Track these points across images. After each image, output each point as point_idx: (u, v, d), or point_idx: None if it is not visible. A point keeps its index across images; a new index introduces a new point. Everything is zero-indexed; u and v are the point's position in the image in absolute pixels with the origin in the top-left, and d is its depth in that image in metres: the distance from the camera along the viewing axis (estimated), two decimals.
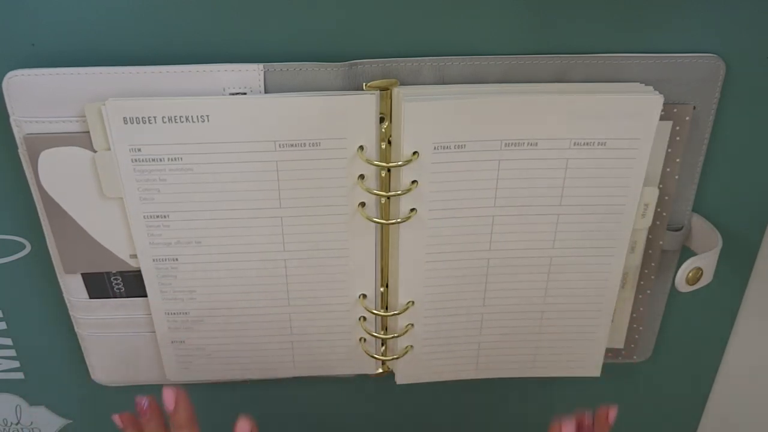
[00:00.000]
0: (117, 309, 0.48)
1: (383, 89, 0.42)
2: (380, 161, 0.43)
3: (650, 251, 0.49)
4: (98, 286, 0.47)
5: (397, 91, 0.41)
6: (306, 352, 0.51)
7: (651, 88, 0.42)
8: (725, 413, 0.59)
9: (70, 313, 0.49)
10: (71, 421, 0.58)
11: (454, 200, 0.44)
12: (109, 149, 0.42)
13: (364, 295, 0.48)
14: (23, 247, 0.48)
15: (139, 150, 0.41)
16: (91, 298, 0.48)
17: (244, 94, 0.41)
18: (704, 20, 0.42)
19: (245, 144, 0.42)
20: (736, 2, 0.41)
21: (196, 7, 0.40)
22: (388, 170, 0.44)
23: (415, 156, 0.42)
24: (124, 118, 0.40)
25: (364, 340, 0.50)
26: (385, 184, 0.44)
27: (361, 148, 0.42)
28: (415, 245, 0.45)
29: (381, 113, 0.42)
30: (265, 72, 0.41)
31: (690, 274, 0.45)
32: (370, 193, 0.43)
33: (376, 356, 0.50)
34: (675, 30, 0.42)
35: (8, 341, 0.53)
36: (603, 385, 0.56)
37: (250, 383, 0.54)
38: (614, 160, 0.43)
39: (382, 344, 0.51)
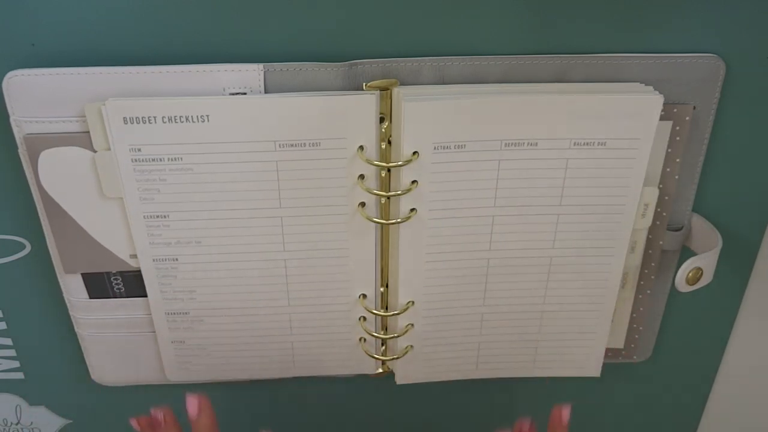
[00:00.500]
0: (117, 309, 0.48)
1: (383, 89, 0.42)
2: (380, 161, 0.43)
3: (650, 251, 0.49)
4: (98, 286, 0.47)
5: (397, 91, 0.41)
6: (306, 352, 0.51)
7: (651, 88, 0.42)
8: (725, 413, 0.59)
9: (70, 313, 0.49)
10: (71, 421, 0.58)
11: (454, 200, 0.44)
12: (109, 149, 0.42)
13: (364, 295, 0.48)
14: (23, 247, 0.48)
15: (139, 150, 0.41)
16: (91, 298, 0.48)
17: (244, 94, 0.41)
18: (704, 20, 0.42)
19: (245, 144, 0.42)
20: (736, 2, 0.41)
21: (196, 7, 0.40)
22: (388, 170, 0.44)
23: (415, 156, 0.42)
24: (124, 118, 0.40)
25: (364, 340, 0.50)
26: (385, 184, 0.44)
27: (361, 148, 0.42)
28: (415, 245, 0.45)
29: (381, 113, 0.42)
30: (265, 72, 0.41)
31: (690, 274, 0.45)
32: (370, 193, 0.43)
33: (376, 356, 0.50)
34: (675, 30, 0.42)
35: (8, 341, 0.53)
36: (603, 385, 0.56)
37: (250, 383, 0.54)
38: (614, 160, 0.43)
39: (382, 344, 0.51)
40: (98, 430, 0.59)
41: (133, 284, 0.47)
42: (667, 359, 0.56)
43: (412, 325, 0.49)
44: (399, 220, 0.44)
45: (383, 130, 0.43)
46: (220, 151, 0.42)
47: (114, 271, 0.47)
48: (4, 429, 0.58)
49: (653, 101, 0.41)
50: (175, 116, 0.40)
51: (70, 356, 0.53)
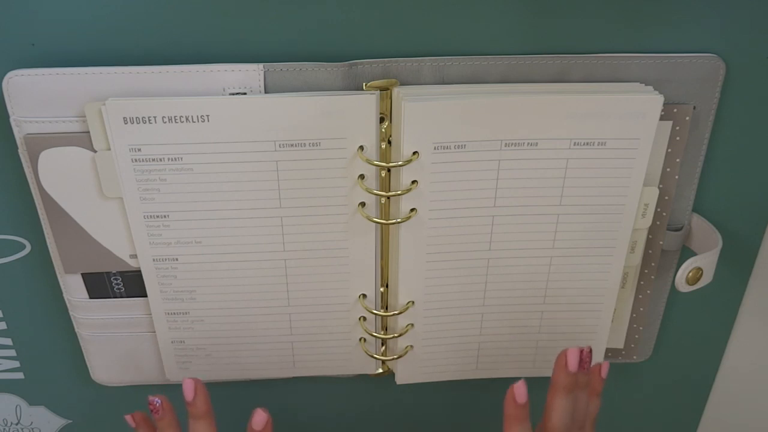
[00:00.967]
0: (117, 309, 0.48)
1: (383, 89, 0.42)
2: (380, 161, 0.43)
3: (650, 251, 0.49)
4: (98, 286, 0.47)
5: (397, 91, 0.41)
6: (306, 352, 0.51)
7: (651, 88, 0.42)
8: (725, 413, 0.59)
9: (70, 313, 0.49)
10: (71, 421, 0.58)
11: (454, 200, 0.44)
12: (109, 149, 0.42)
13: (364, 295, 0.48)
14: (23, 247, 0.48)
15: (139, 150, 0.41)
16: (91, 298, 0.48)
17: (244, 94, 0.41)
18: (704, 20, 0.42)
19: (245, 144, 0.42)
20: (736, 2, 0.41)
21: (196, 7, 0.40)
22: (388, 170, 0.44)
23: (415, 156, 0.42)
24: (124, 118, 0.40)
25: (364, 340, 0.50)
26: (385, 184, 0.44)
27: (361, 148, 0.42)
28: (415, 245, 0.45)
29: (381, 113, 0.42)
30: (265, 72, 0.41)
31: (690, 274, 0.45)
32: (370, 193, 0.43)
33: (376, 356, 0.50)
34: (675, 30, 0.42)
35: (8, 341, 0.53)
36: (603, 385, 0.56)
37: (250, 383, 0.54)
38: (614, 160, 0.43)
39: (382, 344, 0.51)
40: (98, 430, 0.59)
41: (133, 284, 0.47)
42: (667, 359, 0.56)
43: (412, 325, 0.49)
44: (399, 220, 0.44)
45: (383, 130, 0.43)
46: (220, 151, 0.42)
47: (114, 271, 0.47)
48: (4, 429, 0.58)
49: (653, 101, 0.41)
50: (175, 116, 0.40)
51: (70, 356, 0.53)
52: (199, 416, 0.43)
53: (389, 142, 0.43)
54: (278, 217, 0.44)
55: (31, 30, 0.40)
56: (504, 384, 0.56)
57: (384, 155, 0.43)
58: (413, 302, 0.48)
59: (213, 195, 0.43)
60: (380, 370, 0.53)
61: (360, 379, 0.55)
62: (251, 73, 0.41)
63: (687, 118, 0.44)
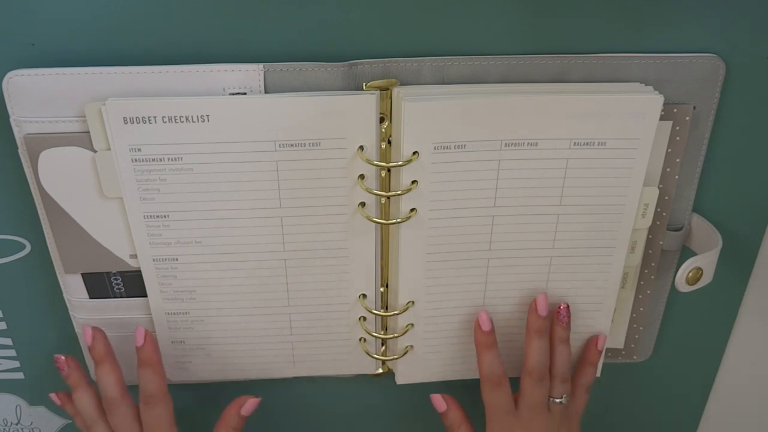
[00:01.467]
0: (117, 309, 0.48)
1: (383, 89, 0.42)
2: (380, 161, 0.43)
3: (650, 251, 0.49)
4: (98, 286, 0.47)
5: (397, 91, 0.41)
6: (306, 352, 0.51)
7: (651, 88, 0.42)
8: (725, 413, 0.59)
9: (70, 313, 0.49)
10: (71, 421, 0.58)
11: (454, 200, 0.44)
12: (109, 149, 0.42)
13: (364, 295, 0.48)
14: (23, 247, 0.48)
15: (139, 150, 0.41)
16: (91, 298, 0.48)
17: (244, 94, 0.41)
18: (704, 20, 0.42)
19: (245, 144, 0.42)
20: (736, 2, 0.41)
21: (196, 7, 0.40)
22: (388, 170, 0.44)
23: (415, 156, 0.42)
24: (124, 118, 0.40)
25: (364, 340, 0.50)
26: (385, 184, 0.44)
27: (361, 148, 0.42)
28: (415, 245, 0.45)
29: (381, 113, 0.42)
30: (265, 72, 0.41)
31: (690, 274, 0.45)
32: (370, 193, 0.43)
33: (376, 356, 0.50)
34: (675, 30, 0.42)
35: (8, 341, 0.53)
36: (603, 385, 0.56)
37: (250, 383, 0.54)
38: (614, 160, 0.43)
39: (382, 344, 0.51)
40: None
41: (133, 284, 0.47)
42: (667, 359, 0.56)
43: (412, 325, 0.49)
44: (399, 220, 0.44)
45: (383, 130, 0.43)
46: (220, 151, 0.42)
47: (114, 271, 0.47)
48: (4, 429, 0.58)
49: (653, 101, 0.41)
50: (175, 116, 0.40)
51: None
52: (146, 363, 0.46)
53: (389, 142, 0.43)
54: (278, 217, 0.44)
55: (31, 30, 0.40)
56: None
57: (384, 155, 0.43)
58: (413, 302, 0.48)
59: (213, 195, 0.43)
60: (380, 370, 0.53)
61: (360, 379, 0.55)
62: (251, 73, 0.41)
63: (687, 118, 0.44)
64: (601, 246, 0.46)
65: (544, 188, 0.44)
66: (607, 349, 0.51)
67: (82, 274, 0.47)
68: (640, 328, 0.52)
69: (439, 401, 0.50)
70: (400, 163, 0.42)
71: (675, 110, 0.43)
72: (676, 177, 0.46)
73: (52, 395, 0.50)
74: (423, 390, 0.55)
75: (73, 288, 0.47)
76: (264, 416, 0.58)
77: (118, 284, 0.47)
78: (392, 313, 0.48)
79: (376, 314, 0.48)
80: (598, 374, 0.52)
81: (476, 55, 0.42)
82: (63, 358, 0.47)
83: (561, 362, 0.47)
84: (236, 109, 0.41)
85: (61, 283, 0.48)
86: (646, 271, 0.50)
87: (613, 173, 0.43)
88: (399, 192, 0.43)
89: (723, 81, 0.43)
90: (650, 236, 0.48)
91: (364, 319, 0.49)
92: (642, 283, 0.50)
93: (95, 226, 0.45)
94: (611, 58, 0.42)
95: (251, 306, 0.48)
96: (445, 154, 0.42)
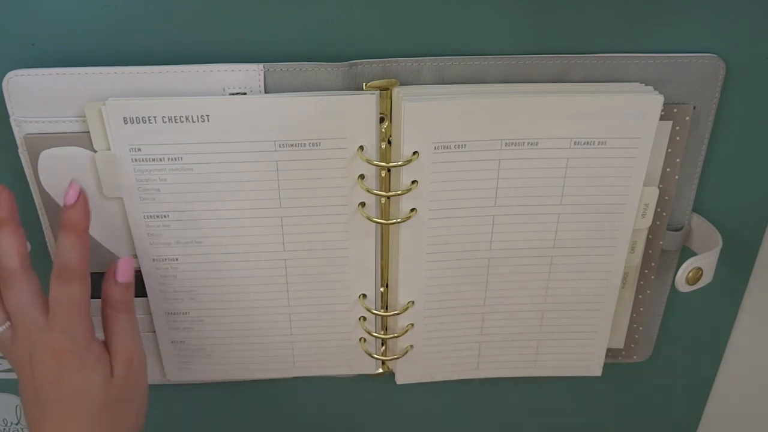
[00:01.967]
0: None
1: (383, 89, 0.42)
2: (380, 161, 0.43)
3: (650, 251, 0.49)
4: (98, 286, 0.47)
5: (397, 91, 0.41)
6: (306, 352, 0.51)
7: (651, 88, 0.42)
8: (725, 413, 0.59)
9: None
10: None
11: (454, 200, 0.44)
12: (109, 149, 0.42)
13: (364, 295, 0.48)
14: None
15: (139, 150, 0.41)
16: (91, 298, 0.48)
17: (244, 94, 0.41)
18: (704, 20, 0.42)
19: (245, 144, 0.42)
20: (736, 2, 0.41)
21: (196, 7, 0.40)
22: (388, 170, 0.44)
23: (415, 156, 0.42)
24: (124, 118, 0.40)
25: (364, 340, 0.50)
26: (385, 184, 0.44)
27: (361, 148, 0.42)
28: (415, 245, 0.45)
29: (381, 113, 0.42)
30: (265, 72, 0.41)
31: (690, 274, 0.45)
32: (370, 193, 0.43)
33: (376, 356, 0.50)
34: (675, 30, 0.42)
35: None
36: (603, 385, 0.56)
37: (250, 383, 0.54)
38: (614, 159, 0.43)
39: (382, 344, 0.51)
40: None
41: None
42: (667, 359, 0.56)
43: (412, 325, 0.49)
44: (399, 220, 0.44)
45: (383, 130, 0.43)
46: (220, 151, 0.42)
47: None
48: (4, 429, 0.58)
49: (653, 101, 0.41)
50: (175, 116, 0.40)
51: None
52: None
53: (389, 142, 0.43)
54: (278, 217, 0.44)
55: (31, 30, 0.40)
56: (504, 384, 0.56)
57: (384, 155, 0.43)
58: (413, 302, 0.48)
59: (213, 195, 0.43)
60: (380, 370, 0.53)
61: (360, 379, 0.55)
62: (251, 73, 0.41)
63: (687, 118, 0.44)
64: (601, 246, 0.46)
65: (545, 188, 0.44)
66: (607, 349, 0.51)
67: None
68: (640, 328, 0.52)
69: None
70: (400, 163, 0.42)
71: (675, 110, 0.43)
72: (676, 177, 0.46)
73: None
74: (423, 390, 0.55)
75: None
76: (264, 416, 0.59)
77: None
78: (392, 313, 0.48)
79: (376, 314, 0.48)
80: (599, 374, 0.52)
81: (476, 55, 0.42)
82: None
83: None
84: (236, 109, 0.41)
85: None
86: (646, 271, 0.50)
87: (613, 173, 0.43)
88: (399, 192, 0.43)
89: (723, 81, 0.43)
90: (650, 236, 0.48)
91: (364, 319, 0.49)
92: (642, 283, 0.50)
93: (95, 226, 0.45)
94: (611, 58, 0.42)
95: (251, 306, 0.48)
96: (445, 154, 0.42)
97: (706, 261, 0.46)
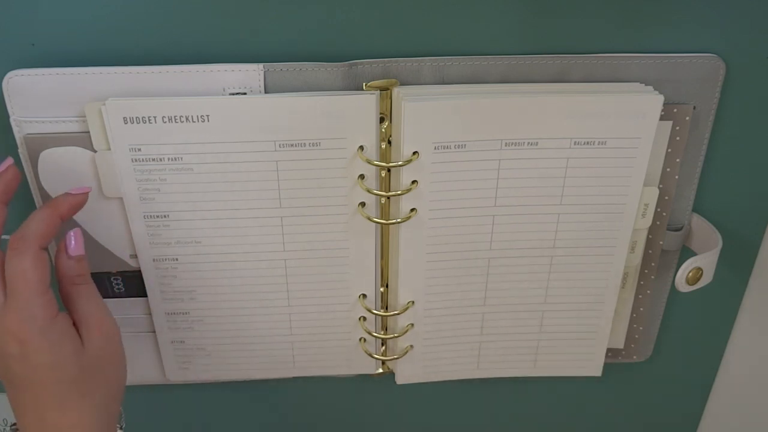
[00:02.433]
0: (117, 309, 0.48)
1: (383, 89, 0.42)
2: (380, 161, 0.43)
3: (650, 251, 0.49)
4: (98, 286, 0.47)
5: (397, 91, 0.41)
6: (306, 352, 0.51)
7: (651, 88, 0.42)
8: (725, 413, 0.59)
9: None
10: None
11: (454, 200, 0.44)
12: (109, 149, 0.42)
13: (364, 295, 0.48)
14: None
15: (139, 150, 0.41)
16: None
17: (244, 94, 0.41)
18: (704, 20, 0.42)
19: (245, 144, 0.42)
20: (736, 2, 0.41)
21: (196, 7, 0.40)
22: (388, 170, 0.44)
23: (415, 156, 0.42)
24: (124, 118, 0.40)
25: (364, 340, 0.50)
26: (385, 184, 0.44)
27: (361, 148, 0.42)
28: (415, 245, 0.45)
29: (381, 113, 0.42)
30: (265, 72, 0.41)
31: (690, 274, 0.45)
32: (370, 193, 0.43)
33: (376, 356, 0.50)
34: (675, 30, 0.42)
35: None
36: (603, 385, 0.56)
37: (250, 383, 0.54)
38: (614, 159, 0.43)
39: (382, 344, 0.51)
40: None
41: (133, 284, 0.47)
42: (667, 359, 0.56)
43: (412, 325, 0.49)
44: (399, 220, 0.44)
45: (383, 130, 0.43)
46: (220, 151, 0.42)
47: (114, 271, 0.47)
48: (4, 429, 0.58)
49: (653, 101, 0.41)
50: (175, 116, 0.40)
51: None
52: None
53: (389, 142, 0.43)
54: (278, 217, 0.44)
55: (31, 30, 0.40)
56: (504, 384, 0.56)
57: (384, 155, 0.43)
58: (413, 302, 0.48)
59: (213, 195, 0.43)
60: (380, 370, 0.53)
61: (360, 379, 0.55)
62: (251, 73, 0.41)
63: (687, 118, 0.44)
64: (601, 246, 0.46)
65: (545, 188, 0.44)
66: (607, 349, 0.51)
67: None
68: (640, 328, 0.52)
69: None
70: (400, 163, 0.42)
71: (675, 110, 0.43)
72: (676, 177, 0.46)
73: None
74: (423, 390, 0.55)
75: None
76: (264, 416, 0.59)
77: (118, 284, 0.47)
78: (392, 313, 0.48)
79: (376, 314, 0.48)
80: (599, 374, 0.52)
81: (476, 55, 0.42)
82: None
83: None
84: (236, 109, 0.41)
85: None
86: (646, 271, 0.50)
87: (613, 173, 0.43)
88: (399, 192, 0.43)
89: (723, 81, 0.43)
90: (650, 236, 0.48)
91: (364, 319, 0.49)
92: (642, 283, 0.50)
93: (95, 226, 0.45)
94: (611, 58, 0.42)
95: (251, 306, 0.48)
96: (445, 154, 0.42)
97: (706, 261, 0.46)
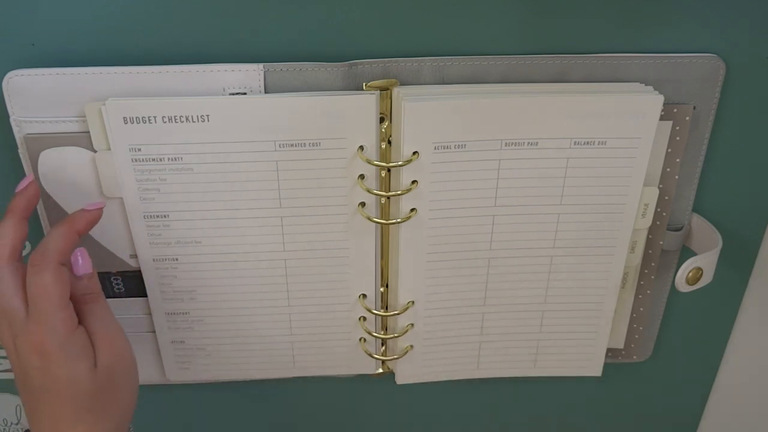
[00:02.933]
0: (117, 309, 0.48)
1: (383, 89, 0.42)
2: (380, 161, 0.43)
3: (650, 251, 0.49)
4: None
5: (397, 91, 0.41)
6: (306, 352, 0.51)
7: (651, 88, 0.42)
8: (725, 413, 0.59)
9: None
10: None
11: (454, 200, 0.44)
12: (109, 149, 0.42)
13: (364, 295, 0.48)
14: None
15: (139, 150, 0.41)
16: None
17: (244, 94, 0.41)
18: (704, 20, 0.42)
19: (245, 144, 0.42)
20: (736, 2, 0.41)
21: (196, 7, 0.40)
22: (388, 170, 0.44)
23: (415, 156, 0.42)
24: (124, 118, 0.40)
25: (364, 340, 0.50)
26: (385, 184, 0.44)
27: (361, 148, 0.42)
28: (415, 245, 0.45)
29: (381, 113, 0.42)
30: (265, 72, 0.41)
31: (690, 274, 0.45)
32: (370, 193, 0.43)
33: (376, 356, 0.50)
34: (675, 30, 0.42)
35: None
36: (603, 385, 0.56)
37: (250, 383, 0.54)
38: (614, 159, 0.43)
39: (382, 344, 0.51)
40: None
41: (133, 284, 0.47)
42: (667, 359, 0.56)
43: (412, 325, 0.49)
44: (399, 220, 0.44)
45: (383, 130, 0.43)
46: (220, 151, 0.42)
47: (114, 271, 0.47)
48: (4, 429, 0.58)
49: (653, 101, 0.41)
50: (175, 116, 0.40)
51: None
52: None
53: (389, 142, 0.43)
54: (278, 217, 0.44)
55: (31, 30, 0.40)
56: (504, 384, 0.56)
57: (384, 155, 0.43)
58: (413, 302, 0.48)
59: (213, 195, 0.43)
60: (380, 370, 0.53)
61: (360, 379, 0.55)
62: (251, 73, 0.41)
63: (687, 118, 0.44)
64: (601, 246, 0.46)
65: (545, 188, 0.44)
66: (607, 348, 0.51)
67: None
68: (640, 328, 0.52)
69: None
70: (400, 163, 0.42)
71: (675, 110, 0.43)
72: (676, 177, 0.46)
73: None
74: (423, 390, 0.55)
75: None
76: (264, 416, 0.59)
77: (118, 284, 0.47)
78: (392, 313, 0.48)
79: (376, 314, 0.48)
80: (599, 374, 0.52)
81: (476, 55, 0.42)
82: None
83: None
84: (236, 109, 0.41)
85: None
86: (646, 271, 0.50)
87: (613, 173, 0.43)
88: (399, 192, 0.43)
89: (723, 81, 0.43)
90: (650, 236, 0.48)
91: (364, 319, 0.49)
92: (642, 283, 0.50)
93: (95, 226, 0.45)
94: (611, 58, 0.42)
95: (251, 306, 0.48)
96: (445, 154, 0.42)
97: (706, 261, 0.46)
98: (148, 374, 0.52)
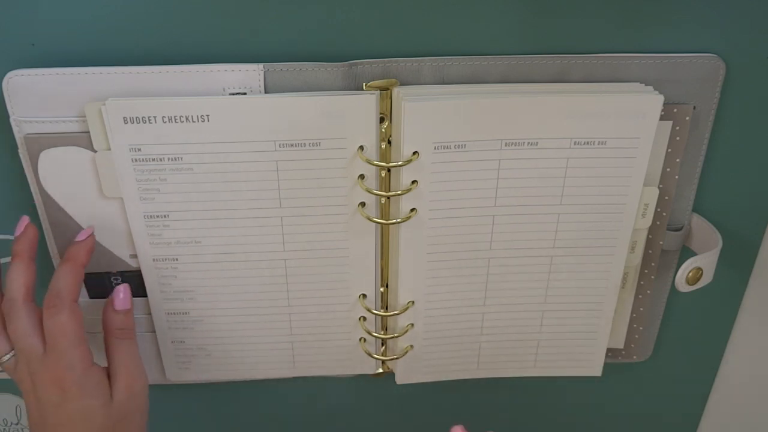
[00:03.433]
0: None
1: (383, 89, 0.42)
2: (380, 161, 0.43)
3: (650, 251, 0.49)
4: (98, 286, 0.47)
5: (397, 91, 0.41)
6: (306, 352, 0.51)
7: (651, 88, 0.42)
8: (725, 413, 0.59)
9: None
10: None
11: (454, 200, 0.44)
12: (109, 149, 0.42)
13: (364, 295, 0.48)
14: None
15: (139, 150, 0.41)
16: (91, 297, 0.48)
17: (244, 94, 0.41)
18: (704, 20, 0.42)
19: (245, 144, 0.42)
20: (736, 2, 0.41)
21: (196, 7, 0.40)
22: (388, 170, 0.44)
23: (415, 156, 0.42)
24: (124, 118, 0.40)
25: (364, 340, 0.50)
26: (385, 184, 0.44)
27: (361, 148, 0.42)
28: (415, 245, 0.45)
29: (381, 113, 0.42)
30: (265, 72, 0.41)
31: (690, 274, 0.45)
32: (370, 193, 0.43)
33: (376, 356, 0.50)
34: (675, 30, 0.42)
35: None
36: (603, 385, 0.56)
37: (250, 383, 0.54)
38: (614, 159, 0.43)
39: (382, 344, 0.51)
40: None
41: (133, 284, 0.47)
42: (667, 359, 0.56)
43: (412, 325, 0.49)
44: (399, 220, 0.44)
45: (383, 130, 0.43)
46: (220, 151, 0.42)
47: (114, 271, 0.47)
48: (4, 429, 0.58)
49: (653, 101, 0.41)
50: (175, 116, 0.40)
51: None
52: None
53: (389, 142, 0.43)
54: (278, 217, 0.44)
55: (31, 30, 0.40)
56: (504, 384, 0.56)
57: (384, 155, 0.43)
58: (413, 302, 0.48)
59: (213, 195, 0.43)
60: (380, 370, 0.53)
61: (360, 379, 0.55)
62: (251, 73, 0.41)
63: (687, 118, 0.44)
64: (601, 246, 0.46)
65: (545, 188, 0.44)
66: (607, 348, 0.51)
67: None
68: (640, 328, 0.52)
69: None
70: (400, 163, 0.42)
71: (675, 110, 0.43)
72: (676, 177, 0.46)
73: None
74: (423, 390, 0.55)
75: None
76: (264, 416, 0.59)
77: (118, 284, 0.47)
78: (392, 313, 0.48)
79: (376, 314, 0.48)
80: (599, 374, 0.52)
81: (476, 55, 0.42)
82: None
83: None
84: (236, 109, 0.41)
85: None
86: (646, 271, 0.50)
87: (613, 173, 0.43)
88: (399, 192, 0.43)
89: (723, 81, 0.43)
90: (650, 236, 0.48)
91: (364, 319, 0.49)
92: (642, 283, 0.50)
93: (95, 226, 0.45)
94: (611, 58, 0.42)
95: (251, 306, 0.48)
96: (445, 154, 0.42)
97: (706, 261, 0.46)
98: (148, 374, 0.52)
